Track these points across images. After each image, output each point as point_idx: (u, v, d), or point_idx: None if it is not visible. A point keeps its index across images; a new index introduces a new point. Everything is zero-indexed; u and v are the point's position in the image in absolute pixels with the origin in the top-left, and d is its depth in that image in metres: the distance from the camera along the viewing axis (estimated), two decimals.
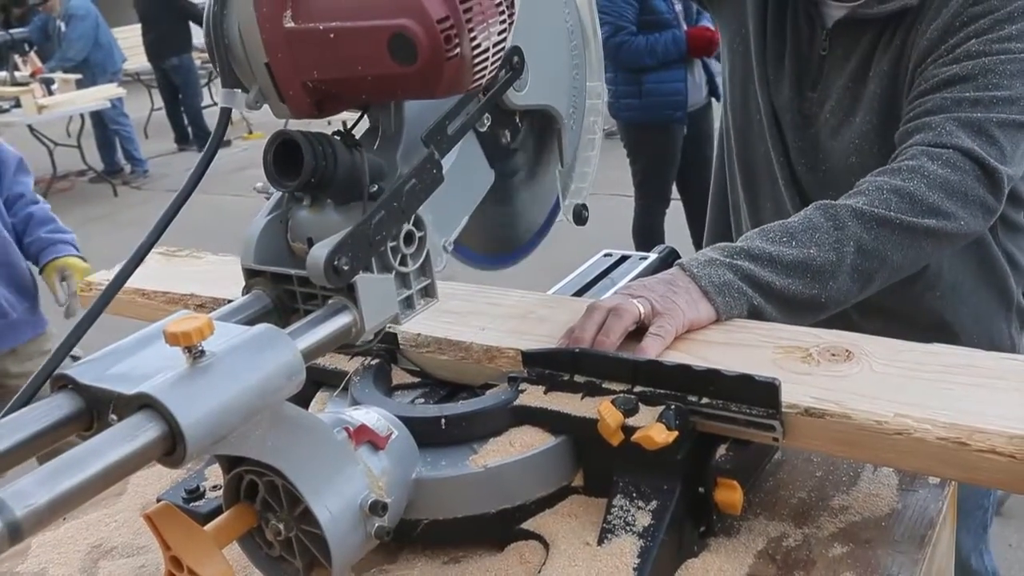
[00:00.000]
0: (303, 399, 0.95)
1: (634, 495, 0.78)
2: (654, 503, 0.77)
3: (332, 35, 0.66)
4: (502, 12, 0.71)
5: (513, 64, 0.85)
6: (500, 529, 0.82)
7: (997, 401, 0.74)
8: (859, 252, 0.98)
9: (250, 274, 0.76)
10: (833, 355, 0.84)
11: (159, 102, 8.75)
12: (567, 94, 0.95)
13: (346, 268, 0.70)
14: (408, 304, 0.78)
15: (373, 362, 0.96)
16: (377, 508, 0.73)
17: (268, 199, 0.79)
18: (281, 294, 0.76)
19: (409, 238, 0.77)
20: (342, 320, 0.73)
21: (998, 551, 2.30)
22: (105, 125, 7.47)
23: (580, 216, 0.98)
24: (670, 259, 1.27)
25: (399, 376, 0.98)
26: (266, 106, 0.74)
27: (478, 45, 0.68)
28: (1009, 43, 1.06)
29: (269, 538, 0.74)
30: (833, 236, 0.98)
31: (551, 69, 0.92)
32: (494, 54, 0.71)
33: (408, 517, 0.80)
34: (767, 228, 1.00)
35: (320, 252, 0.69)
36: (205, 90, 8.96)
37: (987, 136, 1.04)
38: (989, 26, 1.07)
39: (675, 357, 0.85)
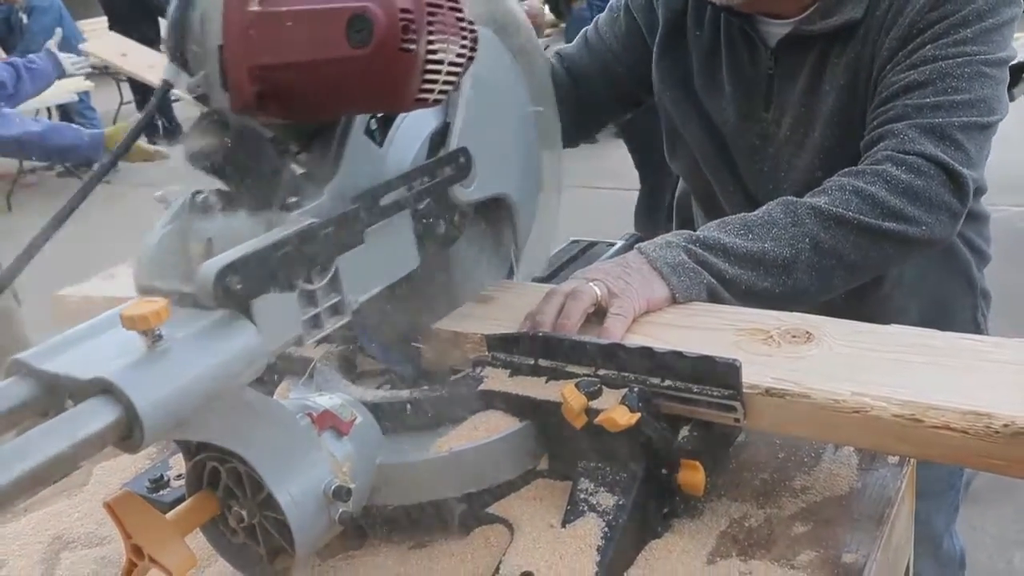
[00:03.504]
0: (269, 385, 0.95)
1: (598, 477, 0.79)
2: (618, 485, 0.78)
3: (294, 16, 0.66)
4: (464, 38, 0.71)
5: (459, 164, 0.86)
6: (465, 513, 0.82)
7: (952, 379, 0.75)
8: (815, 249, 0.99)
9: (145, 292, 0.69)
10: (794, 337, 0.85)
11: (128, 95, 8.62)
12: (519, 178, 0.94)
13: (238, 288, 0.65)
14: (315, 323, 0.73)
15: (338, 348, 0.95)
16: (341, 494, 0.73)
17: (167, 208, 0.74)
18: None
19: None
20: None
21: (962, 532, 2.35)
22: (72, 118, 7.36)
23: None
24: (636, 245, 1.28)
25: (364, 363, 0.98)
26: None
27: (434, 52, 0.67)
28: (965, 46, 1.07)
29: (232, 525, 0.74)
30: (790, 232, 0.99)
31: (499, 161, 0.91)
32: (447, 73, 0.70)
33: (373, 503, 0.80)
34: (727, 220, 1.01)
35: (210, 268, 0.64)
36: None
37: (951, 140, 1.04)
38: (944, 31, 1.08)
39: (638, 340, 0.86)
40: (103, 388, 0.57)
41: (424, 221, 0.85)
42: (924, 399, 0.72)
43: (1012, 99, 3.12)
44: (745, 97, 1.25)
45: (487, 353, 0.88)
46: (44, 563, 0.87)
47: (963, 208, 1.06)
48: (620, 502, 0.77)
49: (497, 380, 0.85)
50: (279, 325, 0.69)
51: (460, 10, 0.70)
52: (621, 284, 0.92)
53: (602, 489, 0.78)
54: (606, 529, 0.75)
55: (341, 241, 0.74)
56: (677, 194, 1.53)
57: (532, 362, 0.85)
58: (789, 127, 1.22)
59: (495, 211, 0.98)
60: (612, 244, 1.25)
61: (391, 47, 0.65)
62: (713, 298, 0.96)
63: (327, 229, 0.72)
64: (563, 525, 0.77)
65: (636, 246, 0.99)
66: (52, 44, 2.98)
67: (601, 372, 0.81)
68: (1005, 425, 0.68)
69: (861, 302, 1.06)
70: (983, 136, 1.08)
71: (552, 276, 1.18)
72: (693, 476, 0.78)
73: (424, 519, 0.82)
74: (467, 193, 0.87)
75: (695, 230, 1.01)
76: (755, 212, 1.02)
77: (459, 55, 0.70)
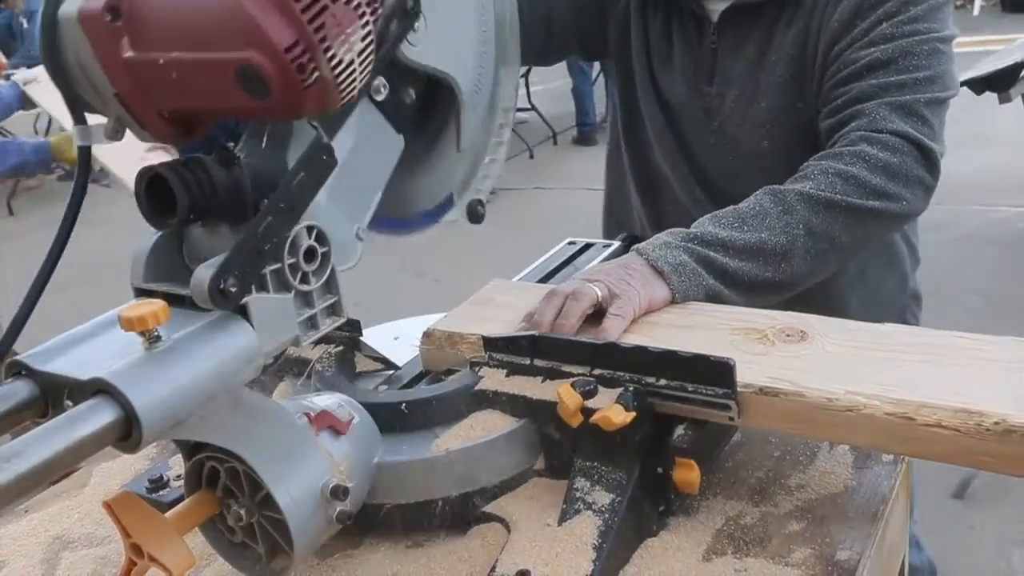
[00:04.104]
0: (268, 386, 0.95)
1: (594, 476, 0.79)
2: (613, 483, 0.78)
3: (176, 66, 0.59)
4: (363, 15, 0.61)
5: (407, 9, 0.76)
6: (463, 513, 0.82)
7: (944, 377, 0.76)
8: (809, 235, 1.02)
9: (140, 294, 0.69)
10: (788, 336, 0.85)
11: None
12: (470, 70, 0.85)
13: (234, 290, 0.64)
14: (311, 324, 0.72)
15: (336, 349, 0.96)
16: (338, 492, 0.73)
17: None
18: None
19: (310, 254, 0.71)
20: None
21: (961, 534, 2.35)
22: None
23: (475, 213, 0.90)
24: (632, 246, 1.29)
25: (363, 363, 0.99)
26: None
27: (340, 62, 0.60)
28: (917, 24, 1.11)
29: (231, 524, 0.74)
30: (783, 220, 1.01)
31: (452, 35, 0.82)
32: (362, 63, 0.63)
33: (371, 502, 0.81)
34: (718, 215, 1.03)
35: (204, 275, 0.63)
36: None
37: (918, 116, 1.09)
38: (896, 8, 1.11)
39: (633, 340, 0.86)
40: (101, 388, 0.58)
41: (387, 99, 0.77)
42: (916, 397, 0.72)
43: (1010, 99, 3.12)
44: (693, 72, 1.28)
45: (484, 353, 0.89)
46: (45, 563, 0.87)
47: (935, 181, 1.10)
48: (616, 500, 0.77)
49: (494, 380, 0.86)
50: (276, 326, 0.69)
51: None
52: (623, 285, 0.93)
53: (598, 488, 0.78)
54: (602, 527, 0.76)
55: (315, 178, 0.69)
56: (606, 193, 1.51)
57: (528, 362, 0.86)
58: (733, 99, 1.24)
59: (440, 111, 0.88)
60: (609, 245, 1.26)
61: (294, 91, 0.58)
62: (711, 298, 0.97)
63: (298, 176, 0.68)
64: (559, 524, 0.77)
65: (634, 247, 1.00)
66: (18, 77, 3.12)
67: (597, 372, 0.82)
68: (996, 423, 0.68)
69: (809, 294, 1.09)
70: (943, 110, 1.12)
71: (548, 277, 1.18)
72: (688, 474, 0.79)
73: (422, 518, 0.82)
74: (416, 52, 0.78)
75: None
76: (744, 204, 1.04)
77: (366, 37, 0.62)
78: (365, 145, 0.76)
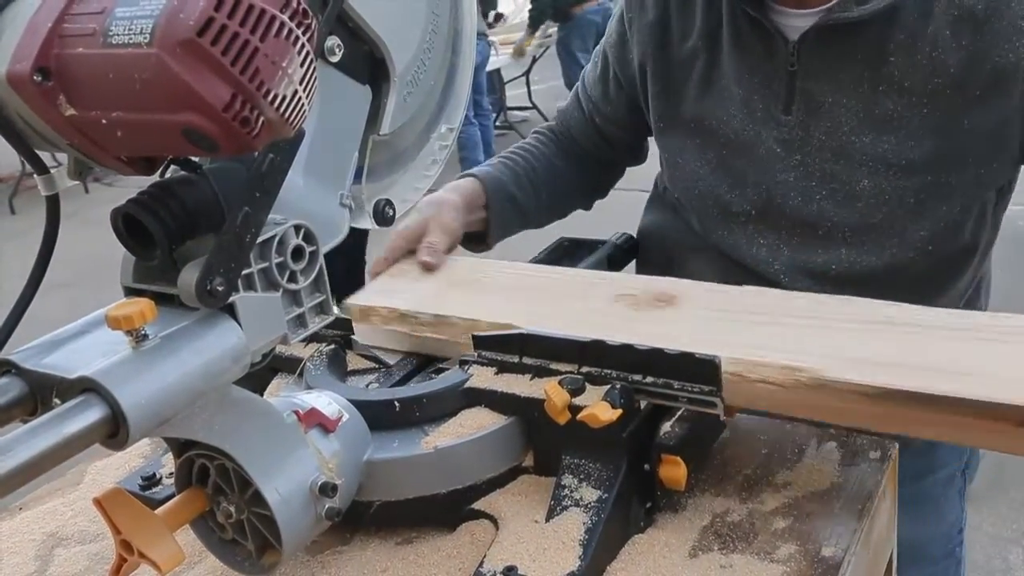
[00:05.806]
0: (260, 385, 0.96)
1: (581, 473, 0.80)
2: (600, 480, 0.79)
3: (120, 125, 0.56)
4: (296, 40, 0.56)
5: None
6: (451, 509, 0.83)
7: (789, 337, 0.82)
8: None
9: (129, 293, 0.69)
10: (659, 301, 0.92)
11: None
12: (408, 53, 0.80)
13: (221, 288, 0.64)
14: (300, 323, 0.72)
15: (328, 348, 0.97)
16: (327, 489, 0.74)
17: None
18: None
19: (298, 253, 0.71)
20: None
21: None
22: None
23: (384, 215, 0.84)
24: (626, 245, 1.29)
25: (355, 362, 0.99)
26: None
27: (283, 99, 0.56)
28: None
29: (221, 521, 0.75)
30: None
31: (397, 9, 0.78)
32: (306, 87, 0.59)
33: (360, 499, 0.81)
34: None
35: (190, 274, 0.63)
36: None
37: None
38: None
39: (620, 338, 0.87)
40: (88, 387, 0.59)
41: (342, 56, 0.75)
42: (754, 357, 0.78)
43: None
44: (760, 98, 1.11)
45: (475, 351, 0.89)
46: (38, 559, 0.88)
47: None
48: (603, 497, 0.78)
49: (483, 378, 0.86)
50: (263, 324, 0.69)
51: (274, 19, 0.55)
52: None
53: (585, 484, 0.79)
54: (589, 524, 0.76)
55: (284, 156, 0.67)
56: (640, 227, 1.37)
57: (517, 360, 0.86)
58: (826, 132, 1.07)
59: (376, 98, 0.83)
60: (602, 243, 1.26)
61: (242, 141, 0.56)
62: None
63: (267, 158, 0.66)
64: (547, 520, 0.78)
65: None
66: None
67: (584, 369, 0.83)
68: (812, 377, 0.75)
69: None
70: None
71: None
72: (674, 471, 0.79)
73: (411, 515, 0.83)
74: (358, 2, 0.74)
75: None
76: None
77: (304, 61, 0.58)
78: (330, 108, 0.74)
